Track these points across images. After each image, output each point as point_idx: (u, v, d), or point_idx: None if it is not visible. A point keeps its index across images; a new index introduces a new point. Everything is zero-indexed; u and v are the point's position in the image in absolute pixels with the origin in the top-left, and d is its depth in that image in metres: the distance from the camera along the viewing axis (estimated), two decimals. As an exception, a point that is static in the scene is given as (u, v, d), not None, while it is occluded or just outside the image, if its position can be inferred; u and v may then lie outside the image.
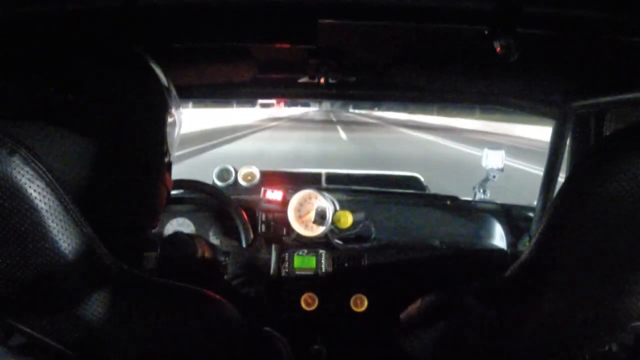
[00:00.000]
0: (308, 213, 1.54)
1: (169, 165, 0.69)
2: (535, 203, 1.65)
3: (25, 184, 0.41)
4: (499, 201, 1.78)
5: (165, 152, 0.65)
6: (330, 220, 1.46)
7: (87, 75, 0.57)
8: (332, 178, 2.10)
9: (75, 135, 0.56)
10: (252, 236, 1.34)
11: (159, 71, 0.64)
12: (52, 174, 0.43)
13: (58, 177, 0.48)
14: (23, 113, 0.56)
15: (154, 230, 0.68)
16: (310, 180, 2.01)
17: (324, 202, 1.51)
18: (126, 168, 0.59)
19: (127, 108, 0.59)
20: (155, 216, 0.65)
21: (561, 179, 1.38)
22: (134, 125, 0.60)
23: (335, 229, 1.50)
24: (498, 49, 0.65)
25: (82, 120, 0.56)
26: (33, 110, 0.56)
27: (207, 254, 1.21)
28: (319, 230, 1.51)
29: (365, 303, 1.56)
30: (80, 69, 0.58)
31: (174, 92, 0.68)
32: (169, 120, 0.65)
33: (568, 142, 1.43)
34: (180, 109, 0.72)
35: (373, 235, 1.60)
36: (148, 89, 0.62)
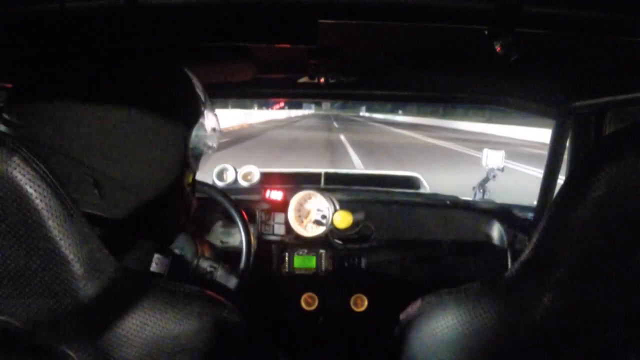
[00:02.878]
0: (308, 213, 1.53)
1: (192, 184, 0.67)
2: (535, 203, 1.65)
3: (26, 184, 0.41)
4: (498, 201, 1.78)
5: (187, 167, 0.65)
6: (330, 220, 1.46)
7: (103, 77, 0.58)
8: (331, 178, 2.10)
9: (87, 133, 0.56)
10: (252, 236, 1.34)
11: (196, 82, 0.64)
12: (53, 174, 0.43)
13: (67, 178, 0.47)
14: (31, 112, 0.56)
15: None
16: (310, 180, 2.01)
17: (324, 202, 1.51)
18: (144, 188, 0.59)
19: (153, 116, 0.59)
20: (171, 234, 0.64)
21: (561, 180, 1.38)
22: (155, 141, 0.60)
23: (335, 229, 1.50)
24: (498, 49, 0.65)
25: (96, 118, 0.57)
26: (47, 109, 0.56)
27: (207, 254, 1.21)
28: (319, 230, 1.51)
29: (365, 303, 1.56)
30: (99, 70, 0.58)
31: (209, 103, 0.67)
32: (194, 136, 0.64)
33: (568, 142, 1.43)
34: (216, 121, 0.70)
35: (373, 235, 1.60)
36: (180, 98, 0.62)
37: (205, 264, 1.17)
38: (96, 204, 0.58)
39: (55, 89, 0.57)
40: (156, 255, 0.64)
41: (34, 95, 0.56)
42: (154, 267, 0.64)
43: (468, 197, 1.86)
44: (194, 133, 0.63)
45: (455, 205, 1.72)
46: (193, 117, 0.64)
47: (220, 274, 1.22)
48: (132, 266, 0.53)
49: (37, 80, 0.58)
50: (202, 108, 0.66)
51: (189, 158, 0.64)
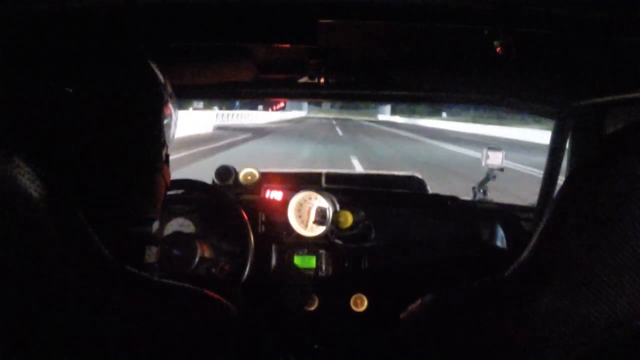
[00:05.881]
0: (308, 213, 1.53)
1: (166, 158, 0.70)
2: (535, 203, 1.65)
3: (25, 184, 0.41)
4: (498, 201, 1.78)
5: (163, 145, 0.66)
6: (330, 220, 1.46)
7: (86, 71, 0.58)
8: (332, 178, 2.09)
9: (74, 128, 0.56)
10: (252, 236, 1.34)
11: (155, 68, 0.65)
12: (51, 173, 0.43)
13: (57, 170, 0.47)
14: (23, 109, 0.56)
15: (154, 229, 0.68)
16: (310, 180, 2.01)
17: (324, 202, 1.51)
18: (125, 159, 0.60)
19: (125, 102, 0.60)
20: (155, 208, 0.65)
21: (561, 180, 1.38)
22: (132, 119, 0.61)
23: (335, 229, 1.50)
24: (498, 49, 0.65)
25: (80, 114, 0.57)
26: (33, 105, 0.56)
27: (207, 254, 1.21)
28: (319, 230, 1.51)
29: (365, 303, 1.56)
30: (80, 64, 0.58)
31: (170, 89, 0.69)
32: (166, 116, 0.66)
33: (568, 141, 1.43)
34: (177, 108, 0.73)
35: (373, 235, 1.60)
36: (146, 84, 0.63)
37: (205, 264, 1.17)
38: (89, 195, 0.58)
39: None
40: (147, 247, 0.65)
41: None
42: (147, 259, 0.64)
43: (468, 197, 1.86)
44: (166, 114, 0.66)
45: (455, 205, 1.72)
46: (161, 99, 0.66)
47: (220, 274, 1.22)
48: (127, 261, 0.53)
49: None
50: (165, 90, 0.68)
51: (164, 137, 0.67)
